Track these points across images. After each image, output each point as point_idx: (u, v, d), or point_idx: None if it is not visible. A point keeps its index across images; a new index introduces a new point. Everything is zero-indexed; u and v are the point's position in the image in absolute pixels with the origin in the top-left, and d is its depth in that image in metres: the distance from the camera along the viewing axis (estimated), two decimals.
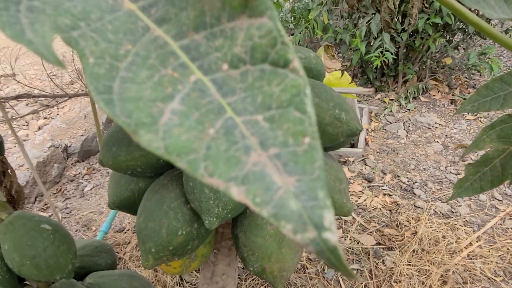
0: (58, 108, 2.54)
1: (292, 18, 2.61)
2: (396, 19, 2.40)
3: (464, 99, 2.66)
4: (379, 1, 1.00)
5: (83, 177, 2.07)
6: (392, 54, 2.45)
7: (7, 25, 0.14)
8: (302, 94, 0.14)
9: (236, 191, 0.13)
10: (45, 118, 2.50)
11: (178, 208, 0.66)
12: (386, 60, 2.46)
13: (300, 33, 2.57)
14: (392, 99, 2.77)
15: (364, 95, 2.86)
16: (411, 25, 1.37)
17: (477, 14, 2.11)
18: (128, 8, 0.16)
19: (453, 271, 1.44)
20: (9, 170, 1.02)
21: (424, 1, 2.00)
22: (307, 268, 1.48)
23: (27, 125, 2.45)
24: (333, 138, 0.66)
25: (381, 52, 2.44)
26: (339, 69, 1.95)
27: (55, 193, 1.96)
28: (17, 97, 1.19)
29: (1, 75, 2.98)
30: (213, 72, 0.15)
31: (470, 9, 0.58)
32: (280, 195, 0.13)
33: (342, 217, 1.75)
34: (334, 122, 0.65)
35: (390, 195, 1.87)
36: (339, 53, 3.25)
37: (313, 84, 0.68)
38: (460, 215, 1.73)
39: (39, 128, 2.39)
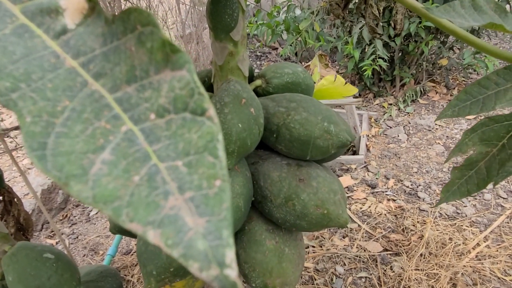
0: None
1: (284, 28, 2.63)
2: (386, 25, 2.43)
3: None
4: (364, 8, 1.02)
5: None
6: (385, 60, 2.46)
7: None
8: (215, 140, 0.16)
9: (152, 234, 0.15)
10: None
11: None
12: (378, 68, 2.48)
13: (290, 45, 2.60)
14: (390, 104, 2.77)
15: (363, 100, 2.87)
16: (397, 30, 1.39)
17: None
18: (69, 65, 0.17)
19: (462, 273, 1.43)
20: (15, 199, 1.04)
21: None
22: (315, 279, 1.48)
23: None
24: (324, 151, 0.67)
25: (374, 59, 2.46)
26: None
27: (61, 219, 1.98)
28: (17, 128, 1.22)
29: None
30: (142, 122, 0.17)
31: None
32: (190, 236, 0.14)
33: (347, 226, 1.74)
34: (324, 135, 0.66)
35: (394, 200, 1.87)
36: (334, 61, 3.28)
37: (300, 99, 0.70)
38: (466, 215, 1.72)
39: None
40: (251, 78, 0.79)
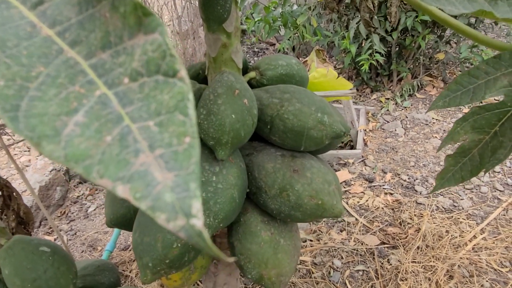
0: None
1: (281, 23, 2.62)
2: (382, 19, 2.42)
3: None
4: (359, 2, 1.02)
5: (86, 198, 2.09)
6: (382, 55, 2.46)
7: None
8: (185, 99, 0.16)
9: (121, 189, 0.15)
10: None
11: None
12: (375, 62, 2.47)
13: (288, 39, 2.59)
14: (388, 98, 2.77)
15: (360, 95, 2.88)
16: (392, 22, 1.39)
17: None
18: (45, 34, 0.17)
19: (458, 265, 1.44)
20: (14, 193, 1.04)
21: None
22: (312, 273, 1.48)
23: (29, 151, 2.47)
24: (318, 142, 0.68)
25: (371, 53, 2.46)
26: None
27: (59, 216, 1.98)
28: None
29: None
30: (116, 86, 0.17)
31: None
32: (158, 190, 0.15)
33: (344, 219, 1.75)
34: (318, 125, 0.66)
35: (391, 194, 1.88)
36: (332, 56, 3.28)
37: (294, 90, 0.70)
38: (463, 208, 1.73)
39: (41, 153, 2.41)
40: (245, 70, 0.79)
